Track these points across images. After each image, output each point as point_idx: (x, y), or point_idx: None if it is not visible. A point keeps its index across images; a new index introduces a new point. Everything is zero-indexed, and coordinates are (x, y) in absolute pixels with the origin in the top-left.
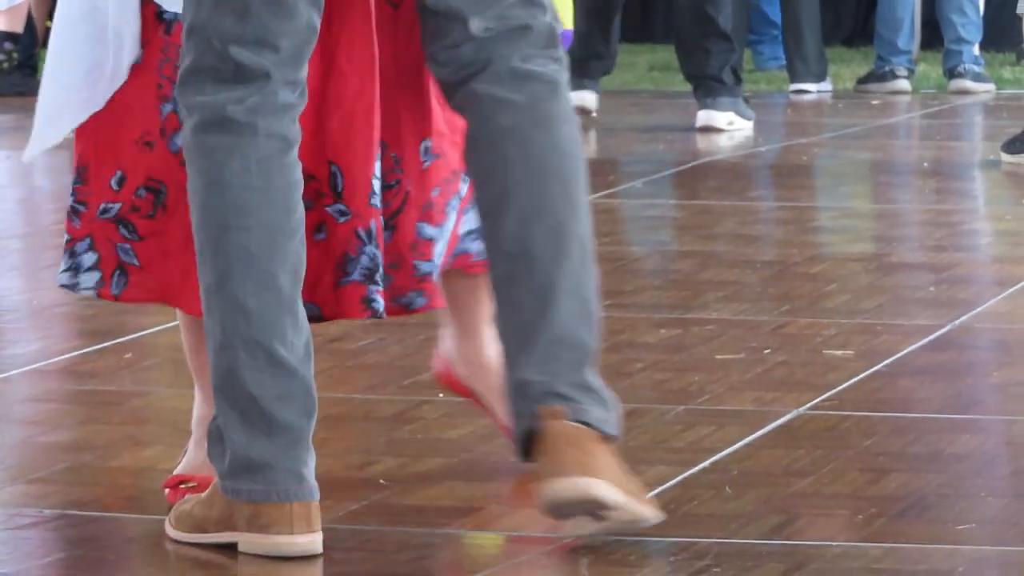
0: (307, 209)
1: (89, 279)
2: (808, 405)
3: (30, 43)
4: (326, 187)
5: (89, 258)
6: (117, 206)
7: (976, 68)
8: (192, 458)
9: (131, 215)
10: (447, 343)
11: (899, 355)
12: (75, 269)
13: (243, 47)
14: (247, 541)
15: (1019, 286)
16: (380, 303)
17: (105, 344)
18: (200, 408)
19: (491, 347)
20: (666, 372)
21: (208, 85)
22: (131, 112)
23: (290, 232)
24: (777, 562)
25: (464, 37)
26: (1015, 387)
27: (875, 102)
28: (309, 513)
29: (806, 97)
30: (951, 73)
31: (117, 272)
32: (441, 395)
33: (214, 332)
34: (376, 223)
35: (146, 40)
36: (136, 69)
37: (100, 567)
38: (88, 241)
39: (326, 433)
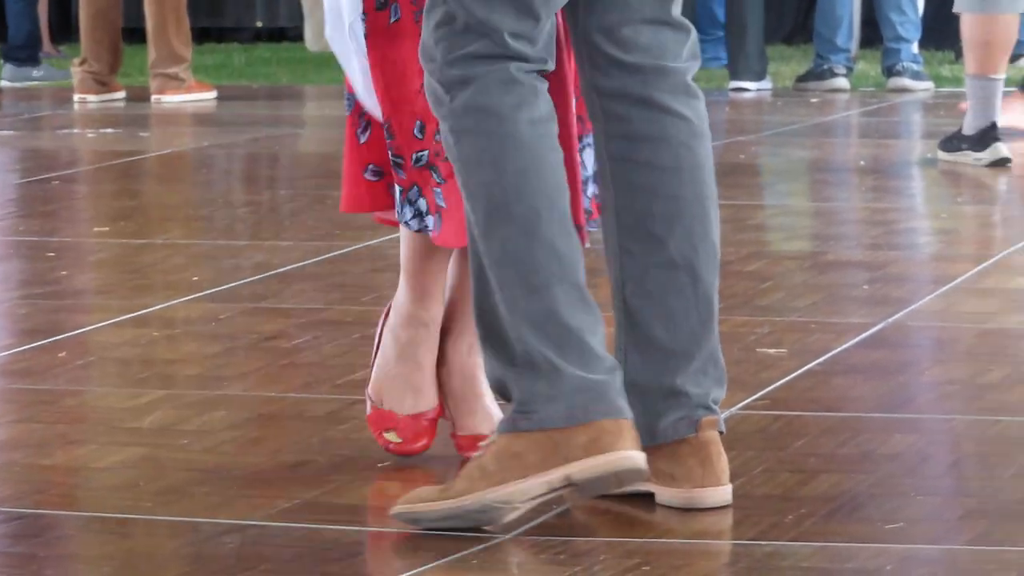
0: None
1: (431, 221)
2: (740, 404)
3: None
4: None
5: (423, 203)
6: (426, 153)
7: (915, 66)
8: (393, 378)
9: (436, 160)
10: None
11: (832, 353)
12: (420, 215)
13: (522, 41)
14: (588, 466)
15: (953, 284)
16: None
17: (39, 343)
18: (408, 307)
19: (479, 353)
20: None
21: (480, 66)
22: (409, 65)
23: (564, 181)
24: (706, 560)
25: (653, 16)
26: (947, 385)
27: (814, 100)
28: (634, 432)
29: (746, 95)
30: (890, 71)
31: (436, 216)
32: None
33: (524, 277)
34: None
35: None
36: (399, 26)
37: (29, 565)
38: (416, 189)
39: (259, 432)
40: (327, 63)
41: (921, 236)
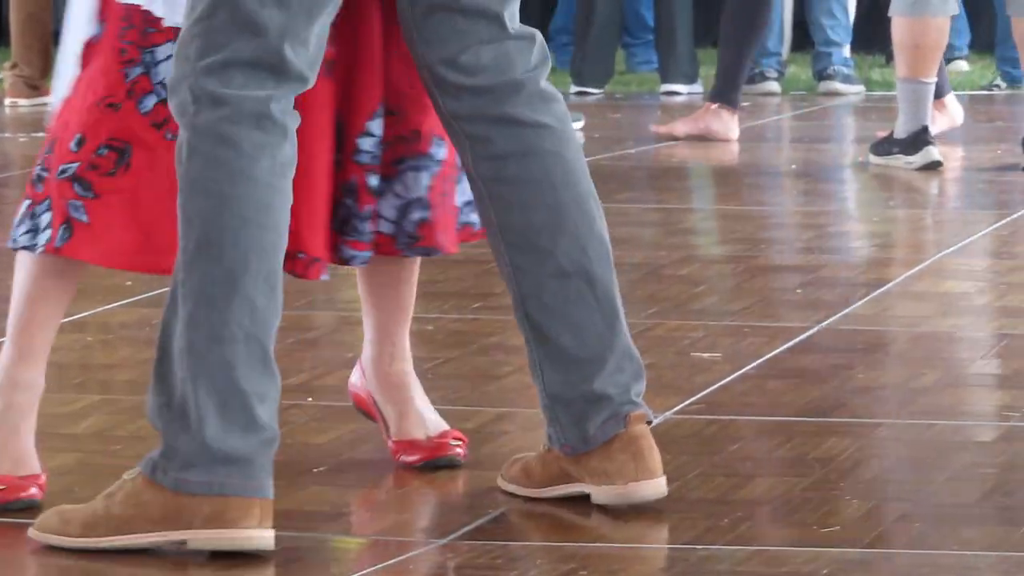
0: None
1: (44, 237)
2: (675, 409)
3: None
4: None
5: (46, 218)
6: (75, 165)
7: (845, 70)
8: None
9: (88, 172)
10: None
11: (766, 357)
12: (34, 230)
13: (294, 45)
14: (206, 538)
15: (886, 288)
16: (348, 253)
17: None
18: (7, 367)
19: (405, 360)
20: None
21: (238, 78)
22: (94, 78)
23: (285, 234)
24: (642, 565)
25: (490, 37)
26: (880, 390)
27: (745, 104)
28: (270, 511)
29: (677, 99)
30: (820, 75)
31: (63, 226)
32: (310, 399)
33: (212, 321)
34: (359, 179)
35: (106, 9)
36: (99, 42)
37: None
38: (47, 202)
39: None
40: None
41: (854, 240)
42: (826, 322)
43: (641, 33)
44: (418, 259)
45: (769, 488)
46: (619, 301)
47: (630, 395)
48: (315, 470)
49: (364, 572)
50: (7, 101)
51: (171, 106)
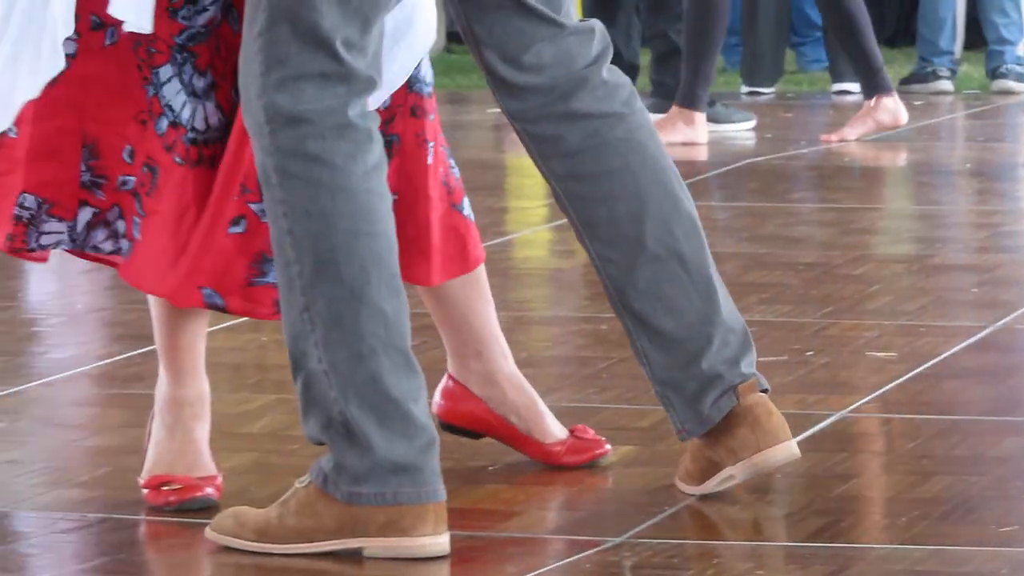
0: (230, 199)
1: (125, 245)
2: (851, 408)
3: None
4: (252, 183)
5: (122, 226)
6: (132, 179)
7: (1019, 68)
8: (165, 451)
9: (140, 190)
10: (454, 371)
11: (942, 357)
12: (115, 236)
13: (353, 52)
14: (382, 546)
15: None
16: None
17: (150, 348)
18: (167, 390)
19: (509, 360)
20: None
21: (309, 90)
22: (126, 89)
23: (394, 234)
24: (821, 564)
25: (549, 34)
26: None
27: (917, 103)
28: (444, 513)
29: (848, 98)
30: (993, 73)
31: (129, 243)
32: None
33: (347, 341)
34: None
35: (112, 19)
36: (114, 50)
37: (142, 571)
38: (117, 209)
39: None
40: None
41: None
42: (1002, 321)
43: (807, 31)
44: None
45: (947, 487)
46: (714, 275)
47: (740, 368)
48: (489, 468)
49: (540, 571)
50: None
51: (246, 124)
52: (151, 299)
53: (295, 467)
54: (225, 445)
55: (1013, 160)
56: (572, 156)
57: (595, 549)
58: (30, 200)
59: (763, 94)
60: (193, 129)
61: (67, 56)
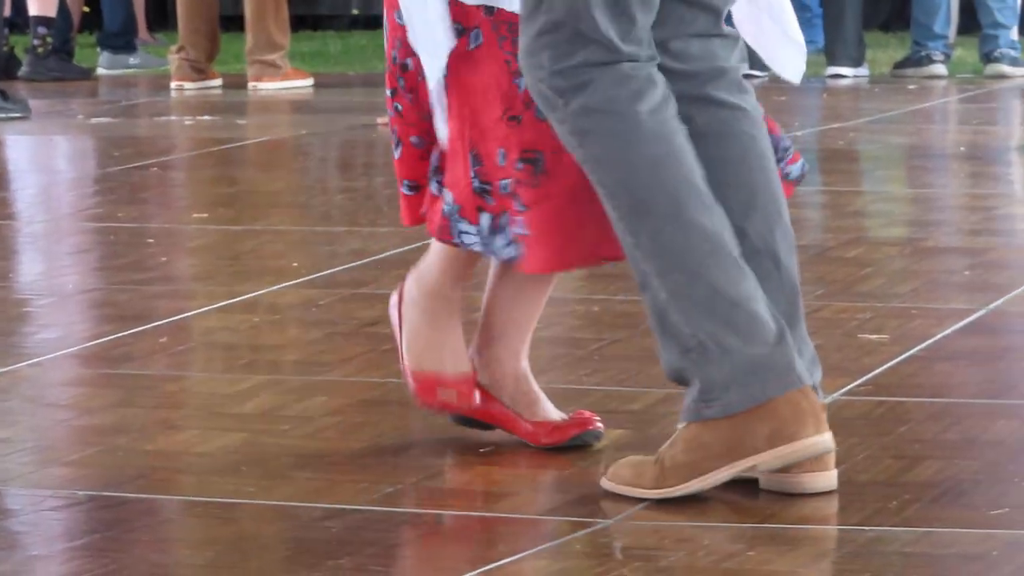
0: None
1: (515, 251)
2: (843, 390)
3: (64, 27)
4: None
5: (511, 231)
6: (509, 181)
7: (1013, 52)
8: (432, 345)
9: (518, 188)
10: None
11: (934, 339)
12: (512, 243)
13: (633, 45)
14: (774, 457)
15: None
16: None
17: (139, 328)
18: (435, 285)
19: (525, 358)
20: None
21: (593, 70)
22: (491, 92)
23: (693, 158)
24: (811, 546)
25: (703, 30)
26: None
27: (911, 87)
28: (821, 412)
29: (843, 82)
30: (987, 58)
31: (519, 245)
32: None
33: (680, 263)
34: None
35: (473, 23)
36: (480, 51)
37: (132, 549)
38: (507, 215)
39: (361, 417)
40: None
41: (1021, 222)
42: (994, 304)
43: (799, 12)
44: None
45: (938, 470)
46: (799, 292)
47: (811, 380)
48: (482, 449)
49: (531, 551)
50: (173, 85)
51: (542, 109)
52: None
53: (286, 447)
54: (216, 424)
55: (1006, 144)
56: (698, 137)
57: (586, 530)
58: (448, 197)
59: (758, 77)
60: None
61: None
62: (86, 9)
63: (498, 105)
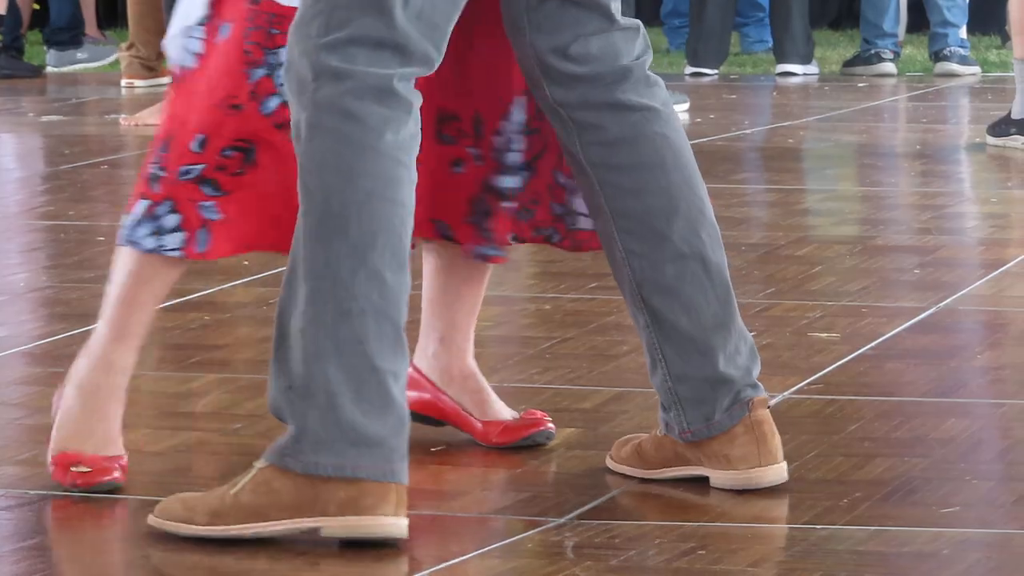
0: (448, 144)
1: (174, 240)
2: (794, 389)
3: (14, 25)
4: (468, 128)
5: (172, 219)
6: (200, 167)
7: (962, 51)
8: (81, 427)
9: (216, 173)
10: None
11: (884, 338)
12: (159, 232)
13: (419, 26)
14: (340, 526)
15: (1004, 269)
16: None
17: (90, 327)
18: (103, 348)
19: (471, 355)
20: None
21: (361, 56)
22: (215, 79)
23: (412, 212)
24: (762, 544)
25: (599, 28)
26: (1000, 370)
27: (861, 85)
28: (405, 496)
29: (792, 80)
30: (937, 56)
31: (202, 230)
32: None
33: (338, 296)
34: (493, 175)
35: (232, 13)
36: (225, 43)
37: (83, 549)
38: (169, 204)
39: None
40: None
41: (970, 220)
42: (944, 302)
43: (752, 12)
44: None
45: (888, 468)
46: (731, 286)
47: (751, 378)
48: (433, 449)
49: (483, 550)
50: (123, 82)
51: (287, 82)
52: (122, 255)
53: (238, 446)
54: (168, 424)
55: (955, 142)
56: (611, 145)
57: (537, 529)
58: None
59: (707, 75)
60: None
61: (196, 55)
62: (36, 6)
63: (221, 91)
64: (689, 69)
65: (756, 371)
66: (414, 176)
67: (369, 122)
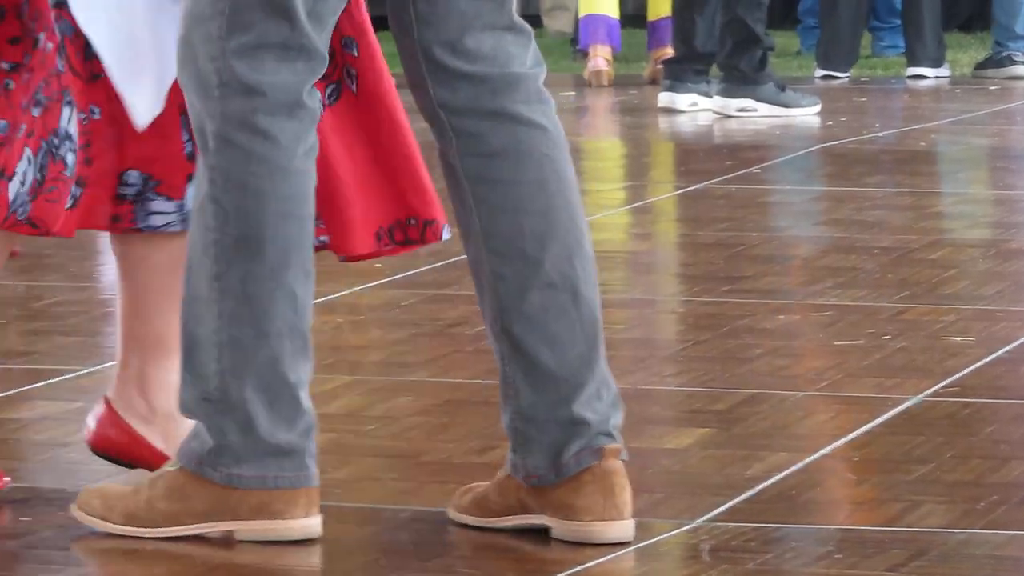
0: None
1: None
2: (928, 392)
3: None
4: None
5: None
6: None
7: None
8: None
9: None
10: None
11: (1019, 341)
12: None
13: (315, 25)
14: (253, 529)
15: None
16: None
17: None
18: None
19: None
20: (785, 358)
21: (269, 62)
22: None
23: (313, 219)
24: (899, 549)
25: (492, 22)
26: None
27: (993, 87)
28: (316, 496)
29: (923, 83)
30: None
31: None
32: None
33: (256, 317)
34: None
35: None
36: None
37: (224, 544)
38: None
39: (446, 418)
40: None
41: None
42: None
43: (889, 18)
44: None
45: None
46: (601, 325)
47: (608, 425)
48: None
49: (615, 555)
50: None
51: (181, 75)
52: None
53: (371, 447)
54: None
55: None
56: (490, 158)
57: (672, 532)
58: (134, 176)
59: (837, 78)
60: None
61: None
62: None
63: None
64: (819, 72)
65: (616, 420)
66: (314, 178)
67: (281, 141)
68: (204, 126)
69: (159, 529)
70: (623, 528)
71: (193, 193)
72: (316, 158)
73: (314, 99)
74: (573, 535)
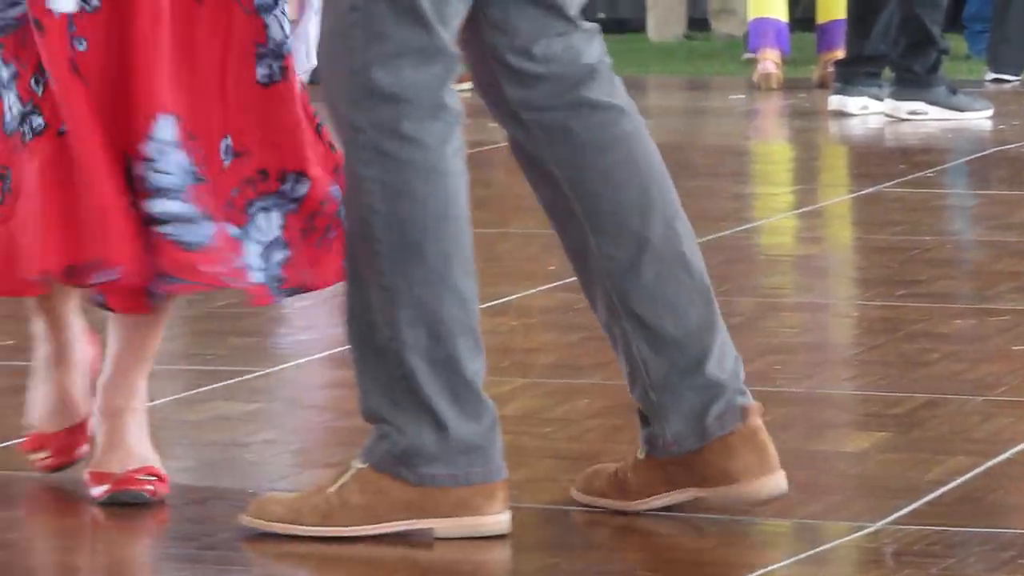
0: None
1: None
2: None
3: None
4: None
5: None
6: None
7: None
8: (50, 409)
9: None
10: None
11: None
12: None
13: (446, 25)
14: (453, 526)
15: None
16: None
17: None
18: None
19: (134, 397)
20: (963, 363)
21: (407, 68)
22: None
23: (468, 215)
24: None
25: (561, 29)
26: None
27: None
28: (507, 491)
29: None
30: None
31: None
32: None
33: (430, 322)
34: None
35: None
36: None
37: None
38: None
39: (622, 420)
40: (671, 53)
41: None
42: None
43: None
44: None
45: None
46: (710, 284)
47: (739, 383)
48: None
49: (795, 559)
50: None
51: (330, 91)
52: None
53: (547, 449)
54: None
55: None
56: (579, 147)
57: (851, 535)
58: None
59: (1008, 81)
60: None
61: None
62: None
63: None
64: (990, 75)
65: (743, 375)
66: (466, 175)
67: (430, 143)
68: (356, 138)
69: (358, 527)
70: (779, 481)
71: (343, 209)
72: (464, 159)
73: (455, 99)
74: (735, 498)
